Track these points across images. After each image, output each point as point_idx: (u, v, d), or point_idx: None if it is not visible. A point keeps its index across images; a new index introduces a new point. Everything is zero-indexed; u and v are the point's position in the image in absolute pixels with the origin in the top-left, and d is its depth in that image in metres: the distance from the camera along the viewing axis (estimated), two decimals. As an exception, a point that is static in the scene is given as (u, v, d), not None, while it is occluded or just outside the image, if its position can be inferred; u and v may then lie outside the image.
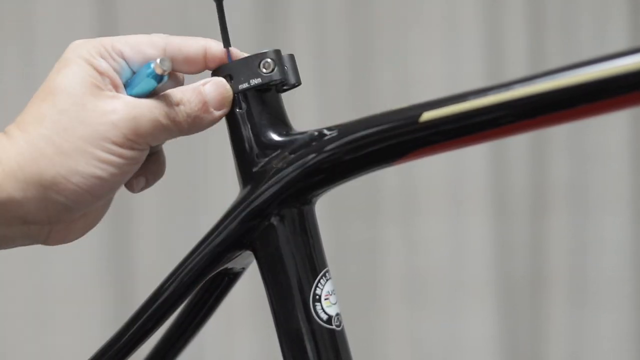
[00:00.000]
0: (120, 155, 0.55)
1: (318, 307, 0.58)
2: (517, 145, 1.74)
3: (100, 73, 0.56)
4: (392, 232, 1.73)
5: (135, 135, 0.55)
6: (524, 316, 1.76)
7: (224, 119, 0.62)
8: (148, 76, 0.56)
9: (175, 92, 0.58)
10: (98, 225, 1.91)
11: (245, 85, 0.60)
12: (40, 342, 1.65)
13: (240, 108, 0.61)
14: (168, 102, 0.57)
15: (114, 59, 0.56)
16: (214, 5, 0.60)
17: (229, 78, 0.60)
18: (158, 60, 0.55)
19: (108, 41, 0.57)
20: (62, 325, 1.64)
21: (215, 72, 0.61)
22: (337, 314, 0.59)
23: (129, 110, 0.55)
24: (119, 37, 0.57)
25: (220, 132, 0.66)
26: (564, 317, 1.75)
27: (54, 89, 0.55)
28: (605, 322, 1.75)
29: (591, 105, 0.51)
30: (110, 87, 0.56)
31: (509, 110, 0.53)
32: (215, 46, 0.60)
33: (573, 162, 1.76)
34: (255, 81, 0.60)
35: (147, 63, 0.56)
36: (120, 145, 0.55)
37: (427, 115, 0.55)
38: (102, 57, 0.56)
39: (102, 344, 0.64)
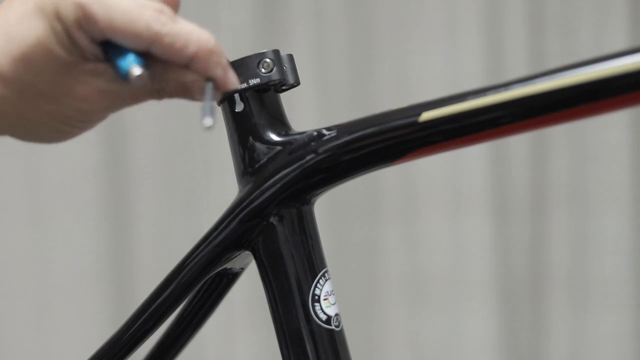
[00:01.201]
0: (87, 128, 0.54)
1: (317, 308, 0.58)
2: (517, 145, 1.74)
3: (77, 46, 0.50)
4: (392, 232, 1.73)
5: (104, 119, 0.54)
6: (524, 316, 1.76)
7: (223, 118, 0.62)
8: (121, 72, 0.50)
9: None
10: (98, 224, 1.90)
11: (244, 85, 0.60)
12: (40, 341, 1.65)
13: (239, 108, 0.61)
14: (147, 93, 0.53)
15: (92, 35, 0.50)
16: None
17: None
18: (137, 72, 0.50)
19: (91, 15, 0.49)
20: (62, 325, 1.64)
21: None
22: (337, 314, 0.59)
23: (101, 100, 0.52)
24: (107, 14, 0.49)
25: (220, 131, 0.65)
26: (564, 317, 1.75)
27: (22, 47, 0.50)
28: (606, 321, 1.75)
29: (591, 105, 0.51)
30: (82, 60, 0.51)
31: (509, 110, 0.53)
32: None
33: (573, 162, 1.76)
34: (254, 81, 0.60)
35: (126, 55, 0.50)
36: (89, 126, 0.54)
37: (427, 115, 0.55)
38: (80, 26, 0.49)
39: (102, 343, 0.64)
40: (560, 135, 1.75)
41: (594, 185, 1.76)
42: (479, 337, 1.73)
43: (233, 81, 0.52)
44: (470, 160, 1.73)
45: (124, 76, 0.50)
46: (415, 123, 0.55)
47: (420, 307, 1.74)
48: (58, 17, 0.49)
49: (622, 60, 0.50)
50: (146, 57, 0.51)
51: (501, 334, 1.74)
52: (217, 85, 0.52)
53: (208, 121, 0.49)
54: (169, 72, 0.52)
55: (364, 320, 1.72)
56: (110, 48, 0.51)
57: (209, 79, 0.52)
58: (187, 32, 0.50)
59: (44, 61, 0.50)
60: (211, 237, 0.60)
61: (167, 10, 0.50)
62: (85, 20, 0.49)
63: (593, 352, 1.76)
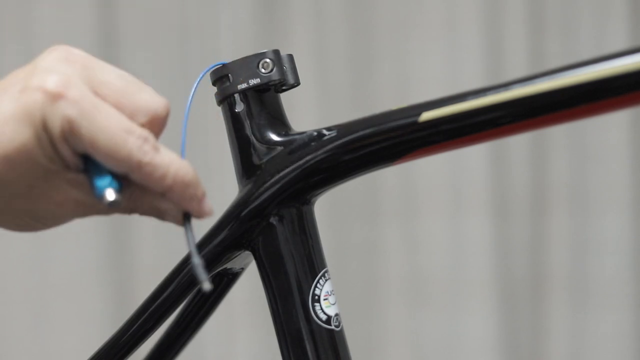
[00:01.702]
0: (53, 227, 0.54)
1: (317, 308, 0.58)
2: (517, 145, 1.74)
3: (60, 157, 0.50)
4: (392, 232, 1.73)
5: (71, 220, 0.54)
6: (524, 316, 1.76)
7: (223, 118, 0.62)
8: (96, 192, 0.50)
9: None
10: (98, 224, 1.91)
11: (244, 86, 0.60)
12: (40, 341, 1.65)
13: (239, 108, 0.61)
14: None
15: (75, 149, 0.50)
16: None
17: (228, 78, 0.60)
18: (111, 197, 0.50)
19: (77, 131, 0.49)
20: (62, 325, 1.64)
21: (215, 73, 0.61)
22: (336, 314, 0.59)
23: (74, 208, 0.52)
24: (92, 134, 0.49)
25: (220, 131, 0.65)
26: (564, 317, 1.75)
27: (5, 149, 0.49)
28: (606, 321, 1.75)
29: (591, 105, 0.51)
30: (63, 169, 0.51)
31: (508, 110, 0.53)
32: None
33: (573, 162, 1.76)
34: (254, 81, 0.60)
35: (104, 176, 0.50)
36: (56, 225, 0.54)
37: (427, 115, 0.55)
38: (65, 139, 0.49)
39: (102, 343, 0.64)
40: (560, 135, 1.75)
41: (594, 185, 1.76)
42: (479, 337, 1.73)
43: (208, 212, 0.53)
44: (470, 160, 1.73)
45: (99, 197, 0.50)
46: (415, 123, 0.55)
47: (420, 307, 1.74)
48: (45, 127, 0.49)
49: (622, 60, 0.50)
50: (124, 178, 0.51)
51: (501, 334, 1.74)
52: (192, 215, 0.53)
53: (207, 286, 0.50)
54: (144, 196, 0.53)
55: (364, 320, 1.72)
56: (90, 162, 0.51)
57: (186, 213, 0.53)
58: (167, 163, 0.51)
59: (25, 166, 0.50)
60: (211, 237, 0.60)
61: (151, 138, 0.51)
62: (70, 135, 0.49)
63: (593, 352, 1.76)
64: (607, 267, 1.75)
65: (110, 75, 0.51)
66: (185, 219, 0.53)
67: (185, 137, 0.59)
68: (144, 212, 0.54)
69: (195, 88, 0.60)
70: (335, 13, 1.73)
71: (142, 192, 0.53)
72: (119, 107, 0.51)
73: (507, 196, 1.75)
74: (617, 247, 1.75)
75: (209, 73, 0.62)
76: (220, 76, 0.61)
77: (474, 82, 1.69)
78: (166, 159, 0.51)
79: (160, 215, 0.54)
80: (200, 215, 0.53)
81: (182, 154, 0.56)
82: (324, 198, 0.62)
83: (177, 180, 0.51)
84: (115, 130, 0.49)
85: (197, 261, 0.51)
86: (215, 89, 0.62)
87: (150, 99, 0.52)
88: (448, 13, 1.75)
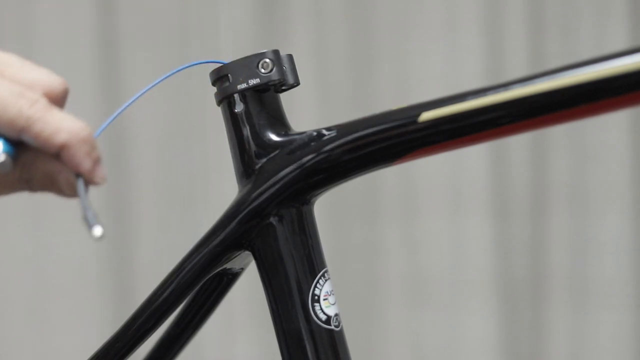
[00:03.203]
0: None
1: (317, 308, 0.58)
2: (517, 145, 1.74)
3: None
4: (392, 232, 1.73)
5: None
6: (524, 316, 1.76)
7: (223, 118, 0.62)
8: None
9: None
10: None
11: (243, 86, 0.60)
12: (40, 341, 1.65)
13: (239, 108, 0.61)
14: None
15: None
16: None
17: (227, 78, 0.60)
18: (2, 159, 0.50)
19: None
20: (62, 325, 1.64)
21: (215, 73, 0.61)
22: (336, 314, 0.59)
23: None
24: None
25: (220, 131, 0.65)
26: (564, 317, 1.75)
27: None
28: (606, 322, 1.75)
29: (591, 105, 0.51)
30: None
31: (508, 110, 0.53)
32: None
33: (573, 162, 1.76)
34: (253, 81, 0.60)
35: None
36: None
37: (426, 116, 0.55)
38: None
39: (102, 344, 0.64)
40: (560, 135, 1.75)
41: (594, 185, 1.76)
42: (479, 337, 1.73)
43: (102, 176, 0.52)
44: (470, 160, 1.73)
45: None
46: (415, 123, 0.55)
47: (421, 307, 1.74)
48: None
49: (622, 60, 0.50)
50: (19, 145, 0.51)
51: (501, 334, 1.74)
52: (85, 179, 0.51)
53: (97, 230, 0.49)
54: (37, 161, 0.52)
55: (364, 320, 1.72)
56: None
57: (78, 174, 0.51)
58: (59, 119, 0.50)
59: None
60: (211, 237, 0.60)
61: (43, 100, 0.50)
62: None
63: (593, 353, 1.76)
64: (607, 267, 1.75)
65: (6, 55, 0.52)
66: (77, 178, 0.51)
67: (113, 118, 0.57)
68: (38, 182, 0.53)
69: (167, 76, 0.59)
70: (335, 13, 1.73)
71: (35, 157, 0.52)
72: (15, 81, 0.50)
73: (507, 196, 1.75)
74: (617, 247, 1.75)
75: (208, 74, 0.62)
76: (219, 76, 0.61)
77: (474, 82, 1.69)
78: (58, 116, 0.50)
79: (54, 183, 0.52)
80: (93, 177, 0.51)
81: (98, 131, 0.54)
82: (324, 198, 0.62)
83: (71, 136, 0.50)
84: (5, 93, 0.49)
85: (90, 213, 0.50)
86: (215, 89, 0.62)
87: (46, 75, 0.52)
88: (448, 13, 1.75)
